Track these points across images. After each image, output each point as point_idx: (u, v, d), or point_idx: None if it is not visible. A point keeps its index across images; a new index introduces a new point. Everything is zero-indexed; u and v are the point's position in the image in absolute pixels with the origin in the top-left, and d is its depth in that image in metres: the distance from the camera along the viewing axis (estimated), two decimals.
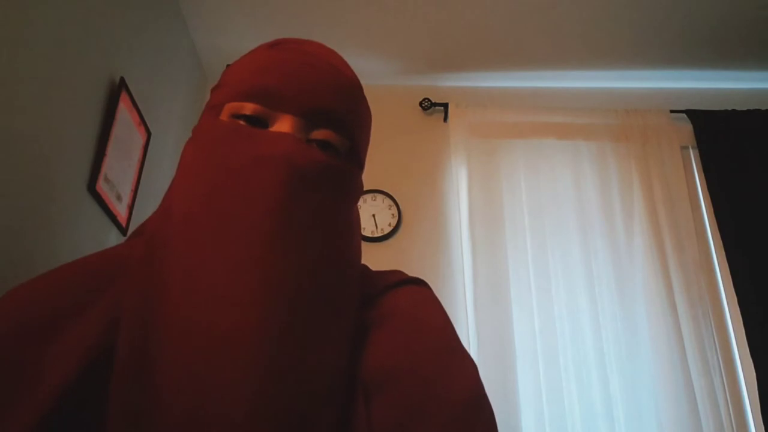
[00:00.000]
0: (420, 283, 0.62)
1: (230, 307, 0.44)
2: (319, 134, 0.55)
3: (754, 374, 1.78)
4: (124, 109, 1.40)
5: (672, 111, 2.17)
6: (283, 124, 0.54)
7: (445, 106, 2.20)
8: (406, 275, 0.62)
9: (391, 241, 2.03)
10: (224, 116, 0.56)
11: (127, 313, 0.47)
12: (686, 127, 2.16)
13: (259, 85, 0.55)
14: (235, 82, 0.57)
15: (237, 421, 0.40)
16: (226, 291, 0.45)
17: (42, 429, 0.42)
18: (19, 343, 0.47)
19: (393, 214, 2.06)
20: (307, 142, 0.54)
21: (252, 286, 0.45)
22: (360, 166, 0.62)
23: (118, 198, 1.40)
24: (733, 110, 2.16)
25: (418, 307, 0.57)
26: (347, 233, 0.56)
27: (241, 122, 0.54)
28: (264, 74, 0.55)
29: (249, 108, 0.54)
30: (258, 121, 0.54)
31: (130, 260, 0.52)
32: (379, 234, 2.02)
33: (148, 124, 1.57)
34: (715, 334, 1.86)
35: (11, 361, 0.46)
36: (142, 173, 1.54)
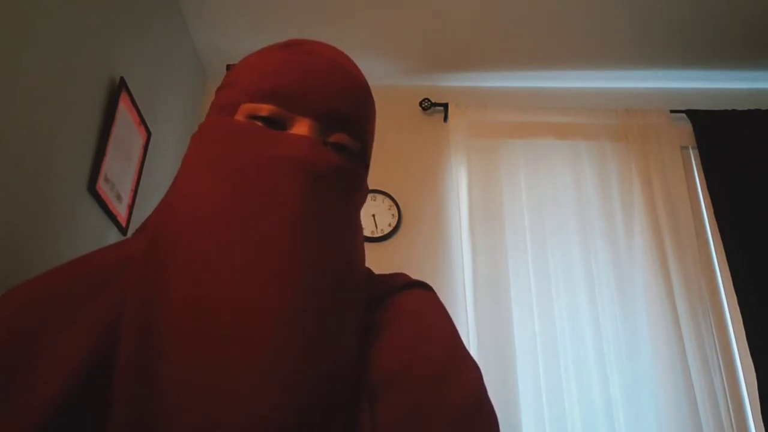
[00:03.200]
0: (425, 287, 0.62)
1: (239, 309, 0.44)
2: (335, 137, 0.55)
3: (754, 374, 1.78)
4: (124, 109, 1.40)
5: (672, 111, 2.17)
6: (301, 127, 0.54)
7: (445, 106, 2.20)
8: (411, 278, 0.62)
9: (391, 241, 2.03)
10: (240, 117, 0.55)
11: (129, 313, 0.47)
12: (686, 127, 2.16)
13: (276, 86, 0.55)
14: (250, 82, 0.57)
15: (243, 424, 0.40)
16: (235, 292, 0.45)
17: None
18: (15, 346, 0.46)
19: (393, 214, 2.06)
20: (324, 145, 0.54)
21: (264, 288, 0.45)
22: (367, 169, 0.63)
23: (118, 198, 1.40)
24: (733, 110, 2.16)
25: (423, 311, 0.57)
26: (356, 236, 0.57)
27: (258, 123, 0.54)
28: (281, 76, 0.55)
29: (266, 109, 0.54)
30: (275, 123, 0.54)
31: (131, 258, 0.52)
32: (379, 234, 2.02)
33: (148, 124, 1.57)
34: (715, 334, 1.86)
35: (7, 365, 0.45)
36: (142, 173, 1.54)
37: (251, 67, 0.59)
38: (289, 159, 0.51)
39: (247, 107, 0.55)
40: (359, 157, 0.58)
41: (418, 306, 0.58)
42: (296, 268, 0.46)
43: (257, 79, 0.56)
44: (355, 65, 0.62)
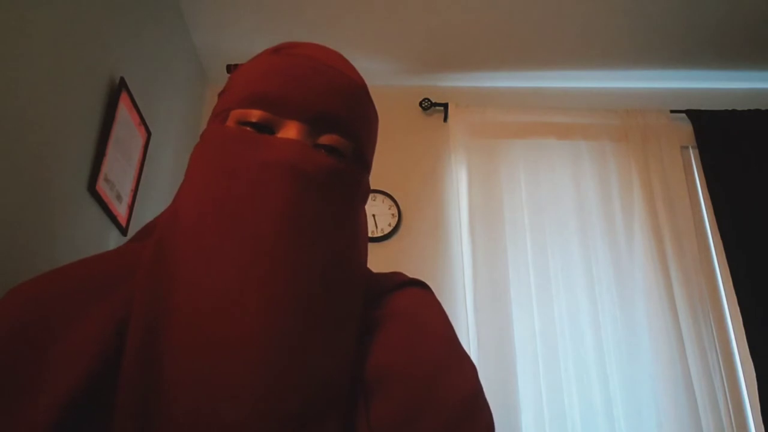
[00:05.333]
0: (422, 286, 0.62)
1: (236, 312, 0.44)
2: (325, 139, 0.55)
3: (754, 374, 1.78)
4: (124, 109, 1.40)
5: (672, 111, 2.17)
6: (289, 130, 0.54)
7: (445, 106, 2.20)
8: (408, 277, 0.63)
9: (391, 241, 2.03)
10: (230, 123, 0.56)
11: (135, 317, 0.47)
12: (686, 127, 2.16)
13: (263, 91, 0.55)
14: (239, 88, 0.58)
15: (241, 424, 0.41)
16: (233, 295, 0.45)
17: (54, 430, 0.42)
18: (23, 344, 0.46)
19: (393, 214, 2.06)
20: (314, 147, 0.54)
21: (258, 291, 0.45)
22: (367, 168, 0.62)
23: (118, 198, 1.40)
24: (733, 110, 2.16)
25: (419, 309, 0.58)
26: (354, 237, 0.57)
27: (248, 129, 0.55)
28: (268, 80, 0.56)
29: (255, 115, 0.55)
30: (264, 128, 0.55)
31: (139, 262, 0.52)
32: (379, 234, 2.02)
33: (148, 124, 1.57)
34: (715, 334, 1.86)
35: (16, 364, 0.45)
36: (142, 173, 1.54)
37: (242, 74, 0.60)
38: (276, 163, 0.51)
39: (237, 113, 0.56)
40: (354, 157, 0.58)
41: (414, 304, 0.58)
42: (284, 273, 0.47)
43: (246, 86, 0.57)
44: (348, 65, 0.61)
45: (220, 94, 0.62)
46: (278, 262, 0.47)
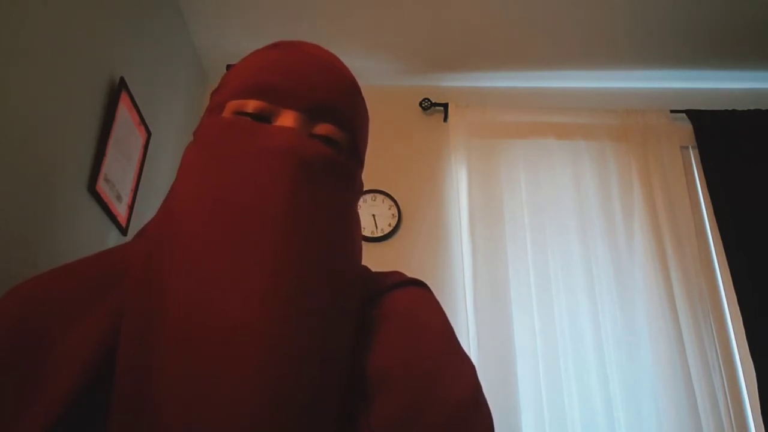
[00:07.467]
0: (420, 285, 0.62)
1: (230, 316, 0.43)
2: (321, 129, 0.55)
3: (754, 374, 1.78)
4: (124, 109, 1.40)
5: (672, 111, 2.17)
6: (286, 119, 0.54)
7: (445, 106, 2.20)
8: (406, 276, 0.62)
9: (391, 241, 2.03)
10: (227, 113, 0.56)
11: (127, 321, 0.46)
12: (686, 127, 2.16)
13: (261, 82, 0.55)
14: (236, 81, 0.58)
15: (239, 428, 0.40)
16: (226, 297, 0.44)
17: None
18: (24, 343, 0.46)
19: (393, 214, 2.06)
20: (310, 137, 0.54)
21: (258, 283, 0.44)
22: (360, 164, 0.62)
23: (118, 198, 1.40)
24: (733, 110, 2.16)
25: (417, 309, 0.57)
26: (351, 229, 0.56)
27: (245, 118, 0.55)
28: (266, 72, 0.56)
29: (252, 104, 0.55)
30: (261, 117, 0.55)
31: (133, 263, 0.52)
32: (379, 234, 2.02)
33: (148, 124, 1.57)
34: (715, 334, 1.86)
35: (17, 363, 0.45)
36: (142, 173, 1.54)
37: (239, 69, 0.60)
38: (275, 150, 0.51)
39: (234, 104, 0.56)
40: (348, 149, 0.58)
41: (412, 303, 0.58)
42: (282, 262, 0.46)
43: (243, 78, 0.57)
44: (342, 63, 0.62)
45: (213, 93, 0.62)
46: (279, 251, 0.46)
